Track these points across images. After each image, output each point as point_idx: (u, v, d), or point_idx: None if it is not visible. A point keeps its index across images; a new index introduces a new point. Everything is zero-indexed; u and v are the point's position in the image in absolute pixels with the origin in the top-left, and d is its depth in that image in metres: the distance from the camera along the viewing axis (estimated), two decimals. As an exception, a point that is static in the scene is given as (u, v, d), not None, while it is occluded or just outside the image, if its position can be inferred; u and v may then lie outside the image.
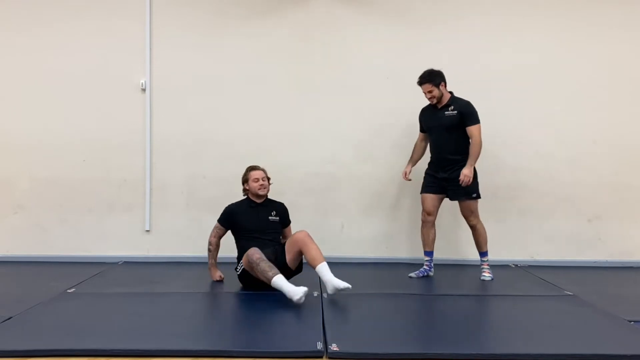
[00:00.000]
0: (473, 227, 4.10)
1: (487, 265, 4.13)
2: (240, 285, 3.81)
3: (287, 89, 4.74)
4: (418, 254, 4.38)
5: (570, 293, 3.75)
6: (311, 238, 3.65)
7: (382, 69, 4.50)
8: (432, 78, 3.98)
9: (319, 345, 2.64)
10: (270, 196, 4.06)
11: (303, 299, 3.26)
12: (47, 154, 4.71)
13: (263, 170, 4.04)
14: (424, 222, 4.18)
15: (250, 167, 4.04)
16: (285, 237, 3.96)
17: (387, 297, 3.73)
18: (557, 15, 4.72)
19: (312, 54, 4.72)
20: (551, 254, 4.75)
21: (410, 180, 4.28)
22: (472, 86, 4.65)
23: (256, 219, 3.90)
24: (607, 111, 4.74)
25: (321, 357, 2.58)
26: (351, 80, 4.70)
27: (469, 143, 4.01)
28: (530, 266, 4.64)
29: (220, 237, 3.99)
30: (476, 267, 4.53)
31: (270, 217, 3.94)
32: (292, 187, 4.63)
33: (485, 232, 4.12)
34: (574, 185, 4.75)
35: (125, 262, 4.63)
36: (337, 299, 3.51)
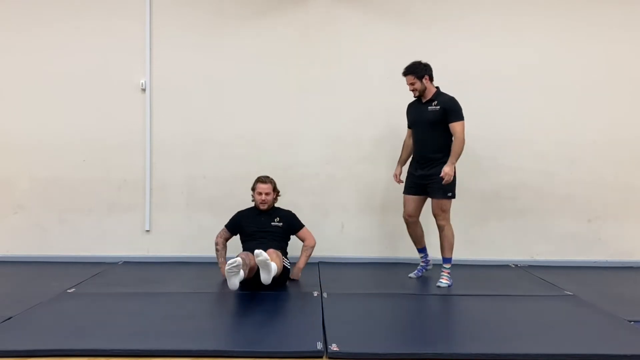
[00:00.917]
0: (441, 228, 3.96)
1: (448, 272, 3.94)
2: (241, 285, 3.80)
3: (287, 89, 4.73)
4: (416, 254, 4.38)
5: (570, 293, 3.75)
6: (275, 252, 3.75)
7: (382, 68, 4.49)
8: (415, 70, 3.91)
9: (319, 345, 2.64)
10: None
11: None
12: (47, 154, 4.71)
13: (272, 182, 4.07)
14: (406, 222, 4.14)
15: (260, 178, 4.08)
16: (303, 241, 4.09)
17: (387, 297, 3.73)
18: (558, 15, 4.72)
19: (312, 53, 4.72)
20: (551, 254, 4.75)
21: (402, 182, 4.21)
22: (472, 86, 4.67)
23: (259, 223, 4.01)
24: (607, 111, 4.74)
25: (321, 357, 2.58)
26: (351, 80, 4.70)
27: (451, 141, 3.91)
28: (530, 266, 4.63)
29: (226, 240, 4.12)
30: (476, 267, 4.54)
31: (272, 223, 4.01)
32: (292, 187, 4.63)
33: (452, 237, 3.97)
34: (574, 185, 4.75)
35: (125, 262, 4.63)
36: (337, 299, 3.51)
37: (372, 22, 4.72)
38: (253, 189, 4.09)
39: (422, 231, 4.17)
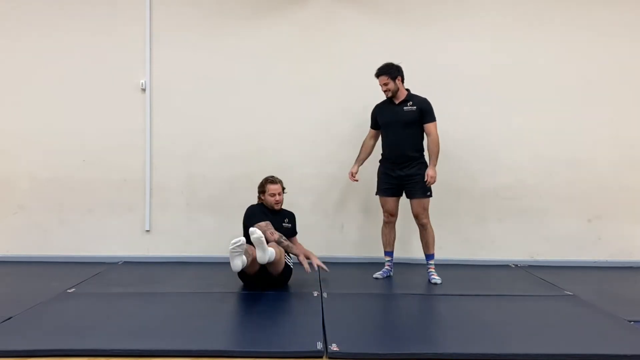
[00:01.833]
0: (423, 226, 4.03)
1: (434, 268, 4.06)
2: (240, 285, 3.81)
3: (287, 89, 4.74)
4: (418, 254, 4.38)
5: (570, 293, 3.75)
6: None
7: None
8: (388, 70, 3.96)
9: (319, 345, 2.64)
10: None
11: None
12: (47, 154, 4.71)
13: (280, 183, 4.05)
14: (386, 223, 4.17)
15: (269, 179, 4.02)
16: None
17: (387, 297, 3.74)
18: (558, 16, 4.72)
19: (312, 53, 4.73)
20: (551, 254, 4.75)
21: (357, 180, 4.24)
22: (472, 86, 4.68)
23: (274, 223, 3.91)
24: (607, 111, 4.74)
25: (321, 357, 2.58)
26: (351, 80, 4.70)
27: (423, 140, 4.02)
28: (530, 266, 4.63)
29: None
30: (476, 267, 4.54)
31: (283, 224, 3.99)
32: (292, 187, 4.61)
33: (433, 233, 4.07)
34: (574, 185, 4.75)
35: (125, 262, 4.63)
36: (337, 299, 3.51)
37: (372, 22, 4.72)
38: (262, 191, 4.01)
39: (395, 236, 4.21)
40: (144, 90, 4.71)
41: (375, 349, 2.66)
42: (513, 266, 4.65)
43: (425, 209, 4.02)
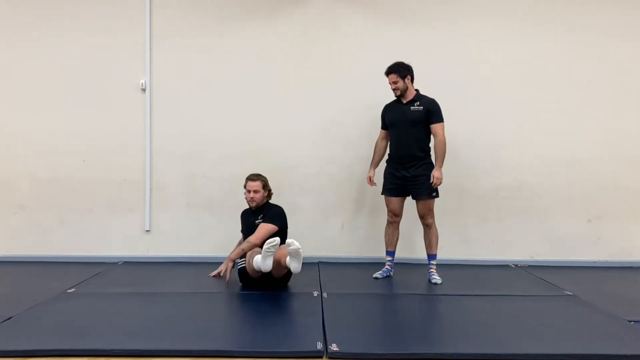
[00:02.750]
0: (429, 227, 4.05)
1: (435, 268, 4.07)
2: (240, 285, 3.81)
3: (287, 88, 4.73)
4: (419, 254, 4.39)
5: (570, 293, 3.75)
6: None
7: (382, 69, 4.47)
8: (398, 69, 3.98)
9: (319, 345, 2.64)
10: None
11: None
12: (47, 154, 4.71)
13: (262, 180, 4.00)
14: (390, 222, 4.17)
15: (249, 176, 4.04)
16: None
17: (387, 297, 3.74)
18: (558, 17, 4.72)
19: (312, 53, 4.72)
20: (551, 254, 4.75)
21: (375, 184, 4.26)
22: (472, 86, 4.68)
23: (248, 222, 4.01)
24: (607, 111, 4.74)
25: (321, 357, 2.58)
26: (351, 80, 4.70)
27: (429, 141, 4.02)
28: (530, 266, 4.63)
29: None
30: (476, 267, 4.54)
31: (257, 221, 3.95)
32: (292, 187, 4.64)
33: (438, 234, 4.09)
34: (574, 185, 4.75)
35: (125, 262, 4.63)
36: (337, 299, 3.51)
37: (372, 22, 4.72)
38: (245, 187, 4.05)
39: (399, 236, 4.21)
40: (144, 90, 4.71)
41: (375, 349, 2.66)
42: (513, 266, 4.65)
43: (431, 210, 4.03)
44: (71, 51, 4.70)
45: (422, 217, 4.05)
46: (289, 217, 4.02)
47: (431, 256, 4.09)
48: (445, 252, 4.40)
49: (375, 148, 4.30)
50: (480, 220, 4.76)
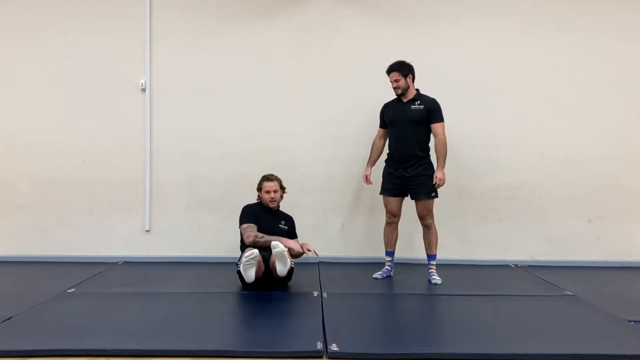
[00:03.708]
0: (428, 227, 4.04)
1: (435, 269, 4.07)
2: (240, 285, 3.81)
3: (287, 88, 4.73)
4: (419, 254, 4.38)
5: (570, 293, 3.75)
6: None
7: (382, 69, 4.47)
8: (400, 67, 3.97)
9: (319, 345, 2.64)
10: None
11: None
12: (47, 154, 4.71)
13: (278, 180, 4.05)
14: (389, 223, 4.16)
15: (265, 176, 4.06)
16: None
17: (387, 297, 3.74)
18: (558, 16, 4.72)
19: (312, 53, 4.72)
20: (551, 254, 4.75)
21: (372, 184, 4.25)
22: (472, 86, 4.68)
23: (270, 224, 3.94)
24: (606, 111, 4.74)
25: (321, 357, 2.58)
26: (351, 80, 4.70)
27: (429, 140, 4.01)
28: (530, 266, 4.63)
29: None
30: (476, 267, 4.54)
31: (280, 225, 3.99)
32: (292, 187, 4.61)
33: (437, 234, 4.08)
34: (574, 185, 4.75)
35: (125, 262, 4.63)
36: (337, 299, 3.51)
37: (372, 22, 4.72)
38: (259, 188, 4.04)
39: (397, 236, 4.21)
40: (144, 90, 4.71)
41: (375, 349, 2.66)
42: (513, 266, 4.65)
43: (430, 210, 4.02)
44: (71, 51, 4.70)
45: (422, 218, 4.05)
46: (289, 217, 4.06)
47: (431, 256, 4.09)
48: (445, 252, 4.40)
49: (372, 146, 4.29)
50: (480, 220, 4.76)
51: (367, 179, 4.26)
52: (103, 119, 4.71)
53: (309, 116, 4.73)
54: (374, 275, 4.14)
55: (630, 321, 3.13)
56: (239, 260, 3.79)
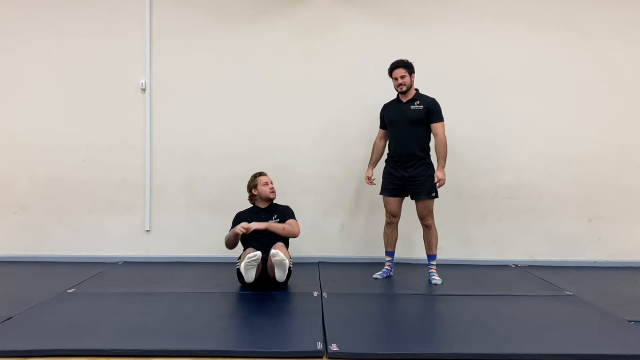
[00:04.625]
0: (428, 227, 4.03)
1: (435, 269, 4.07)
2: (240, 285, 3.81)
3: (287, 88, 4.74)
4: (419, 254, 4.38)
5: (570, 293, 3.75)
6: (284, 246, 3.79)
7: (383, 69, 4.49)
8: (407, 64, 3.98)
9: (319, 345, 2.64)
10: (270, 196, 4.10)
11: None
12: (47, 154, 4.71)
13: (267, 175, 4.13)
14: (388, 223, 4.16)
15: (256, 173, 4.11)
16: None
17: (387, 297, 3.74)
18: (557, 17, 4.72)
19: (312, 54, 4.72)
20: (551, 254, 4.75)
21: (374, 184, 4.25)
22: (472, 86, 4.68)
23: (259, 222, 3.93)
24: (606, 111, 4.74)
25: (321, 357, 2.58)
26: (351, 80, 4.70)
27: (429, 140, 4.01)
28: (530, 266, 4.63)
29: None
30: (476, 267, 4.54)
31: (272, 220, 3.97)
32: (292, 187, 4.64)
33: (437, 234, 4.07)
34: (574, 185, 4.75)
35: (125, 262, 4.63)
36: (337, 299, 3.51)
37: (373, 22, 4.72)
38: (254, 185, 4.05)
39: (397, 236, 4.20)
40: (144, 90, 4.71)
41: (375, 349, 2.66)
42: (513, 266, 4.65)
43: (430, 210, 4.01)
44: (71, 51, 4.70)
45: (422, 218, 4.04)
46: (289, 217, 4.05)
47: (431, 257, 4.09)
48: (445, 252, 4.41)
49: (373, 147, 4.29)
50: (480, 220, 4.76)
51: (369, 180, 4.26)
52: (103, 118, 4.71)
53: (309, 116, 4.73)
54: (374, 276, 4.14)
55: (630, 321, 3.13)
56: (239, 259, 3.81)
